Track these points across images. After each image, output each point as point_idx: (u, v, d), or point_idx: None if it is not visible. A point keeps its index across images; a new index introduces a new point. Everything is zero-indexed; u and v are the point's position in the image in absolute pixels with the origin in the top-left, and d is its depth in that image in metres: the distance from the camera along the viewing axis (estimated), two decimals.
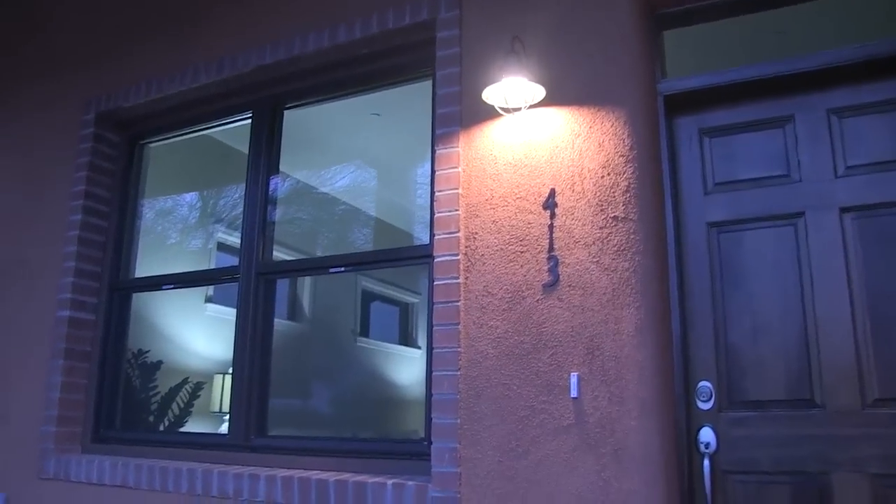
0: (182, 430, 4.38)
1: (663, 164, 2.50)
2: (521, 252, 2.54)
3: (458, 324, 2.60)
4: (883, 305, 2.20)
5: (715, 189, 2.48)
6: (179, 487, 3.05)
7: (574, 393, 2.35)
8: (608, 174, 2.44)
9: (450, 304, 2.63)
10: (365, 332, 7.28)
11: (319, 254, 6.46)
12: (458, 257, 2.65)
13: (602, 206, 2.43)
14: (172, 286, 3.67)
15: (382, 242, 6.59)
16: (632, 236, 2.37)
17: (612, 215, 2.41)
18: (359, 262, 3.15)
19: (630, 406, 2.27)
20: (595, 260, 2.41)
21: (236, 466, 3.05)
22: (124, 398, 3.92)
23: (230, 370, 5.36)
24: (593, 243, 2.42)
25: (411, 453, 2.75)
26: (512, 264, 2.55)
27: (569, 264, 2.45)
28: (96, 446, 3.60)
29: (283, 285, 6.72)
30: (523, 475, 2.38)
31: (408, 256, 3.02)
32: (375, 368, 7.00)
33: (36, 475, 3.52)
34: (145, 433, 3.49)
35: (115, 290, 3.77)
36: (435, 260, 2.70)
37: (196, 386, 4.68)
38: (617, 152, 2.45)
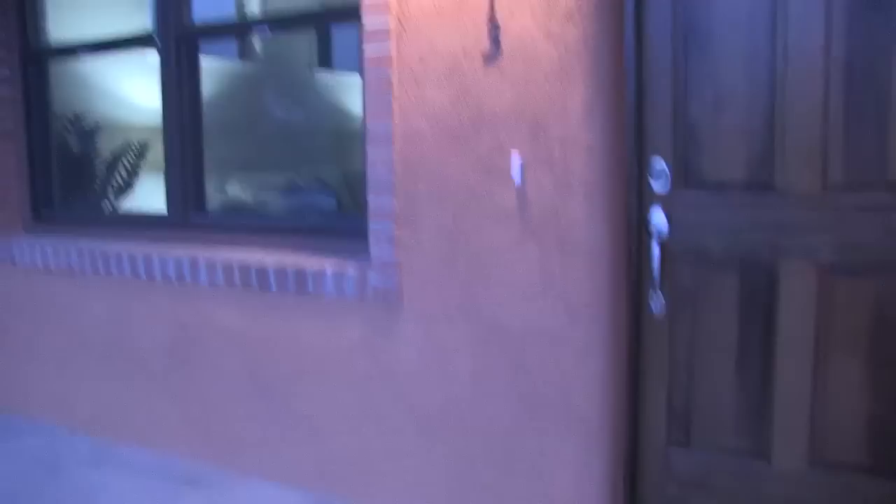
0: (124, 207, 4.22)
1: None
2: (459, 16, 2.19)
3: (391, 96, 2.32)
4: (860, 81, 1.93)
5: None
6: (123, 271, 2.96)
7: (517, 178, 2.15)
8: None
9: (381, 75, 2.33)
10: (325, 62, 6.78)
11: None
12: (389, 22, 2.30)
13: None
14: (88, 53, 3.29)
15: None
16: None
17: None
18: (284, 21, 2.77)
19: (576, 192, 2.08)
20: (541, 27, 2.08)
21: (177, 247, 2.94)
22: (64, 172, 3.72)
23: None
24: (539, 7, 2.08)
25: (354, 231, 2.61)
26: (449, 30, 2.21)
27: (512, 32, 2.12)
28: (39, 226, 3.47)
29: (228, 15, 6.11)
30: (464, 262, 2.26)
31: (339, 17, 2.64)
32: (335, 103, 6.58)
33: None
34: (87, 211, 3.33)
35: (27, 60, 3.39)
36: (365, 26, 2.35)
37: (142, 146, 4.42)
38: None
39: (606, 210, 2.09)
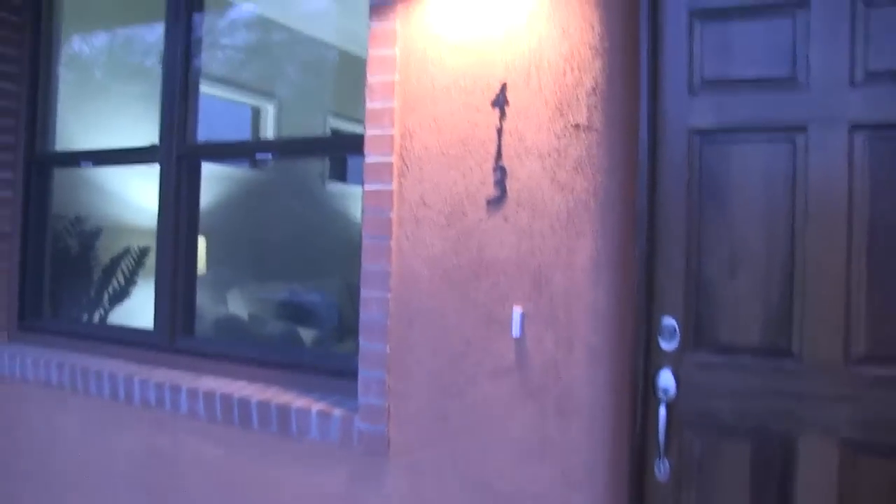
0: (117, 317, 4.09)
1: (641, 55, 2.02)
2: (464, 158, 2.12)
3: (389, 237, 2.23)
4: (885, 250, 1.82)
5: (703, 88, 2.01)
6: (102, 391, 2.81)
7: (517, 332, 2.02)
8: (572, 70, 1.97)
9: (381, 214, 2.25)
10: (338, 174, 6.79)
11: (284, 94, 5.93)
12: (392, 159, 2.23)
13: (562, 109, 1.98)
14: (91, 164, 3.25)
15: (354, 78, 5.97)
16: (594, 150, 1.94)
17: (574, 122, 1.97)
18: (288, 150, 2.72)
19: (578, 353, 1.95)
20: (549, 175, 2.00)
21: (160, 371, 2.80)
22: (57, 278, 3.63)
23: None
24: (548, 154, 2.00)
25: (343, 371, 2.48)
26: (453, 172, 2.14)
27: (518, 178, 2.04)
28: (23, 335, 3.35)
29: (243, 124, 6.17)
30: (457, 417, 2.11)
31: (341, 145, 2.59)
32: (345, 215, 6.55)
33: None
34: (75, 321, 3.22)
35: (32, 165, 3.36)
36: (366, 161, 2.28)
37: (142, 252, 4.34)
38: (584, 41, 1.96)
39: (610, 370, 1.95)
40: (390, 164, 2.22)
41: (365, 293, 2.27)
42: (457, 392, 2.11)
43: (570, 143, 1.96)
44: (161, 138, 2.91)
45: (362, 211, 2.29)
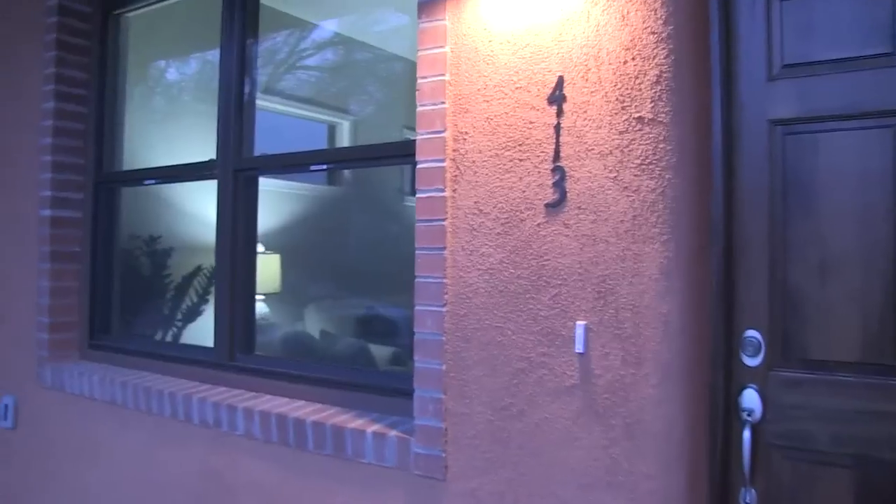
0: (187, 335, 4.08)
1: (712, 39, 1.82)
2: (521, 160, 1.97)
3: (443, 249, 2.09)
4: None
5: (783, 73, 1.80)
6: (163, 410, 2.77)
7: (580, 347, 1.85)
8: (633, 59, 1.80)
9: (434, 223, 2.11)
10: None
11: (359, 110, 5.89)
12: (445, 164, 2.10)
13: (623, 102, 1.81)
14: (154, 181, 3.25)
15: None
16: (661, 145, 1.76)
17: (637, 115, 1.79)
18: (342, 158, 2.62)
19: (648, 370, 1.76)
20: (612, 175, 1.82)
21: (218, 390, 2.75)
22: (128, 297, 3.65)
23: (258, 247, 5.09)
24: (610, 153, 1.83)
25: (403, 390, 2.35)
26: (509, 176, 1.99)
27: (578, 179, 1.87)
28: (93, 353, 3.37)
29: (319, 142, 6.17)
30: (517, 440, 1.94)
31: (397, 152, 2.47)
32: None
33: (37, 382, 3.34)
34: (142, 339, 3.21)
35: (99, 185, 3.39)
36: (418, 166, 2.16)
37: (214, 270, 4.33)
38: (646, 28, 1.79)
39: (685, 389, 1.75)
40: (443, 169, 2.09)
41: (419, 307, 2.14)
42: (517, 413, 1.95)
43: (634, 139, 1.78)
44: (217, 153, 2.87)
45: (416, 220, 2.16)
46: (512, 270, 1.97)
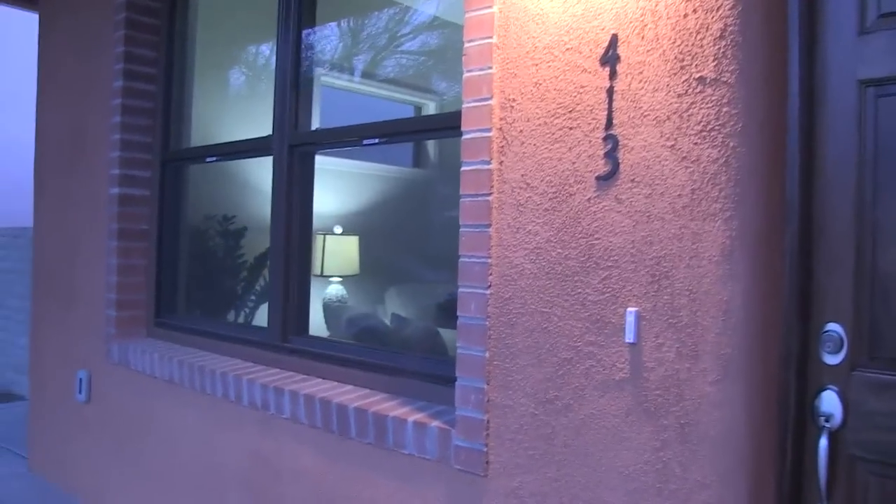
0: (245, 321, 4.03)
1: None
2: (570, 129, 1.78)
3: (488, 226, 1.93)
4: None
5: (879, 24, 1.54)
6: (215, 391, 2.74)
7: (631, 337, 1.65)
8: (694, 11, 1.58)
9: (479, 198, 1.95)
10: None
11: (444, 90, 5.76)
12: (491, 133, 1.93)
13: (683, 61, 1.59)
14: (215, 159, 3.22)
15: None
16: (725, 109, 1.54)
17: (697, 76, 1.57)
18: (394, 133, 2.48)
19: (706, 365, 1.55)
20: (669, 143, 1.61)
21: (269, 372, 2.68)
22: (195, 276, 3.66)
23: (335, 228, 5.04)
24: (668, 118, 1.61)
25: (449, 379, 2.21)
26: (558, 146, 1.80)
27: (632, 149, 1.67)
28: (159, 331, 3.39)
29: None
30: (562, 437, 1.77)
31: (443, 128, 2.31)
32: None
33: (106, 358, 3.39)
34: (201, 320, 3.18)
35: (166, 163, 3.39)
36: (463, 137, 2.00)
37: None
38: None
39: (749, 388, 1.53)
40: (489, 140, 1.93)
41: (462, 290, 1.99)
42: (562, 407, 1.77)
43: (695, 102, 1.57)
44: (273, 128, 2.80)
45: (460, 195, 2.01)
46: (560, 250, 1.79)
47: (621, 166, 1.68)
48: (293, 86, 2.75)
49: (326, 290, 4.83)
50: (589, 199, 1.74)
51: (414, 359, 2.36)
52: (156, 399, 3.08)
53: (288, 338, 2.75)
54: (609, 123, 1.70)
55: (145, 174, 3.40)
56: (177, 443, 2.96)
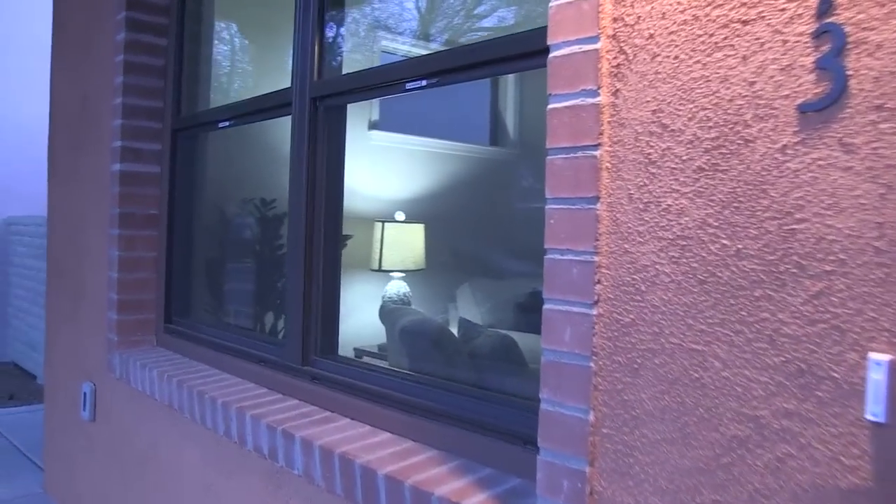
0: (269, 329, 3.33)
1: None
2: (746, 23, 0.98)
3: (595, 200, 1.15)
4: None
5: None
6: (216, 426, 2.06)
7: (877, 408, 0.85)
8: None
9: (578, 154, 1.18)
10: None
11: None
12: (598, 44, 1.15)
13: None
14: (228, 123, 2.52)
15: None
16: None
17: None
18: (446, 69, 1.70)
19: None
20: None
21: (283, 405, 1.98)
22: (215, 271, 3.00)
23: (397, 215, 4.33)
24: None
25: (524, 437, 1.45)
26: (721, 56, 1.01)
27: (873, 52, 0.87)
28: (169, 339, 2.74)
29: (480, 103, 5.40)
30: None
31: (525, 52, 1.52)
32: None
33: (108, 370, 2.77)
34: (210, 330, 2.49)
35: (177, 132, 2.73)
36: (550, 54, 1.22)
37: (342, 238, 3.58)
38: None
39: None
40: (595, 55, 1.15)
41: (550, 306, 1.21)
42: None
43: None
44: (293, 77, 2.09)
45: (546, 149, 1.23)
46: (725, 241, 1.00)
47: (851, 84, 0.88)
48: (317, 19, 2.03)
49: (386, 288, 4.13)
50: (784, 147, 0.94)
51: (480, 401, 1.60)
52: (157, 427, 2.44)
53: (309, 359, 2.04)
54: (826, 7, 0.90)
55: (154, 147, 2.75)
56: (180, 482, 2.30)
